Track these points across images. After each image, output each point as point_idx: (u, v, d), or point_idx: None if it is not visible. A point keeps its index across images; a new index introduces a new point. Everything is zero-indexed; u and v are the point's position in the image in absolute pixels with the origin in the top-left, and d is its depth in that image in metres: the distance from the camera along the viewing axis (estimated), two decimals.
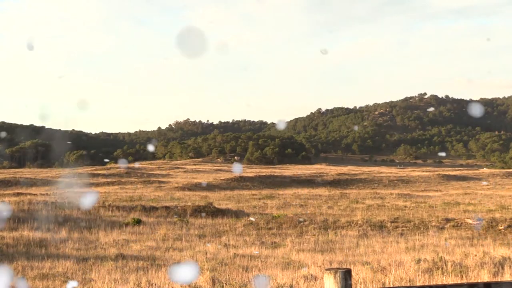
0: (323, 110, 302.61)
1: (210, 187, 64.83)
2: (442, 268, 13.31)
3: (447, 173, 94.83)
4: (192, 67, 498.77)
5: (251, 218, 28.05)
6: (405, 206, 40.58)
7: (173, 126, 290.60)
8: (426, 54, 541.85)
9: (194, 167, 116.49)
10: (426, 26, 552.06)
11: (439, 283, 11.71)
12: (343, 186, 73.94)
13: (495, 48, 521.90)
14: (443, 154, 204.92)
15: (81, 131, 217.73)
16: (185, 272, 6.29)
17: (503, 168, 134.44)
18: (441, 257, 14.70)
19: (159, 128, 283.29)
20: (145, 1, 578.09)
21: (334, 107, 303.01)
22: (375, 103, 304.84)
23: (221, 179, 74.34)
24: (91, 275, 14.68)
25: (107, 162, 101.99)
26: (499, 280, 12.02)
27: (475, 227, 26.42)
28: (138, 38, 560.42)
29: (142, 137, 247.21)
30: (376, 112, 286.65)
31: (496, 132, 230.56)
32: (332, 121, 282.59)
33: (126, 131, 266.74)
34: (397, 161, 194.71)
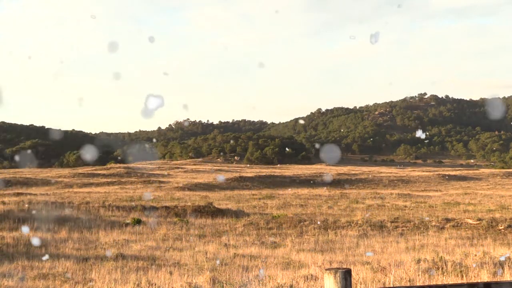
0: (323, 110, 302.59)
1: (210, 187, 64.82)
2: (442, 268, 13.31)
3: (447, 173, 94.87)
4: (192, 67, 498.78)
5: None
6: (405, 206, 40.59)
7: (173, 126, 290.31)
8: (426, 54, 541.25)
9: (194, 167, 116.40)
10: (426, 26, 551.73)
11: (439, 283, 11.71)
12: (343, 186, 73.94)
13: (495, 48, 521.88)
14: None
15: (81, 131, 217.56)
16: None
17: (503, 168, 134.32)
18: (441, 257, 14.70)
19: (159, 128, 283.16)
20: (144, 0, 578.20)
21: (334, 107, 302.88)
22: (375, 103, 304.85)
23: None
24: (91, 275, 14.68)
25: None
26: (499, 280, 12.03)
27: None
28: (137, 38, 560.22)
29: (142, 137, 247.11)
30: (376, 112, 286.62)
31: (496, 132, 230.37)
32: (332, 121, 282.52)
33: (126, 131, 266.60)
34: (397, 161, 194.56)
